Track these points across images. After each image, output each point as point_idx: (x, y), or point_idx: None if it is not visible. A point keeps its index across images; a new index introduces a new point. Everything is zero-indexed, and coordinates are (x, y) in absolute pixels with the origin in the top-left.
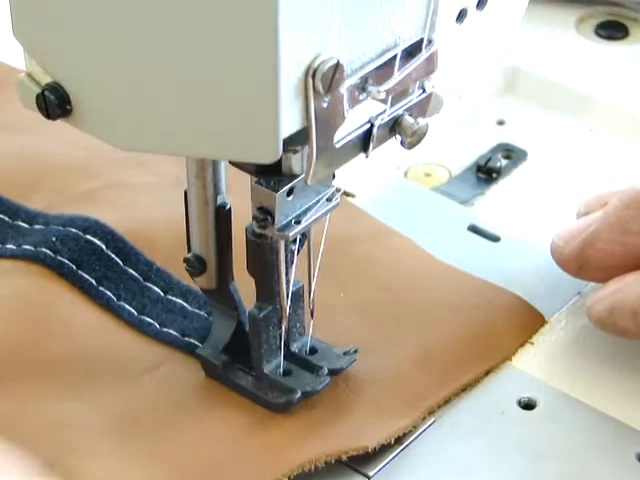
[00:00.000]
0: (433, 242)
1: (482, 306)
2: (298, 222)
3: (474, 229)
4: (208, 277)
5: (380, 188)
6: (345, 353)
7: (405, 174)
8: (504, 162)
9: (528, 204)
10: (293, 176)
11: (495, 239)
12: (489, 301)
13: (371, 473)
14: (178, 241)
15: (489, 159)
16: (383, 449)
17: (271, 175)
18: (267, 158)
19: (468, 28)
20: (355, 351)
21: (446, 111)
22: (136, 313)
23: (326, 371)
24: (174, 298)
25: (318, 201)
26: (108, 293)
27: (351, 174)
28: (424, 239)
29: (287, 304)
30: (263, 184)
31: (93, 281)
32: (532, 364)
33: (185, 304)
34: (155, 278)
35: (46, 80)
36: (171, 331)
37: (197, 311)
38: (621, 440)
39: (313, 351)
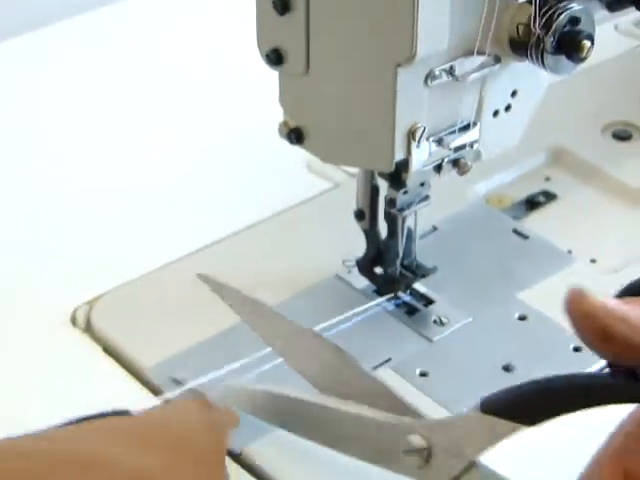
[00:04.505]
0: (488, 239)
1: None
2: (409, 207)
3: (515, 232)
4: (365, 222)
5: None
6: (432, 267)
7: (487, 201)
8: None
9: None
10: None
11: (525, 237)
12: None
13: (435, 338)
14: None
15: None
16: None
17: (396, 181)
18: (386, 170)
19: (500, 119)
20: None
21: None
22: None
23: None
24: None
25: (420, 198)
26: None
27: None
28: (482, 235)
29: (402, 241)
30: (390, 185)
31: None
32: None
33: None
34: None
35: (292, 125)
36: None
37: None
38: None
39: (416, 265)
